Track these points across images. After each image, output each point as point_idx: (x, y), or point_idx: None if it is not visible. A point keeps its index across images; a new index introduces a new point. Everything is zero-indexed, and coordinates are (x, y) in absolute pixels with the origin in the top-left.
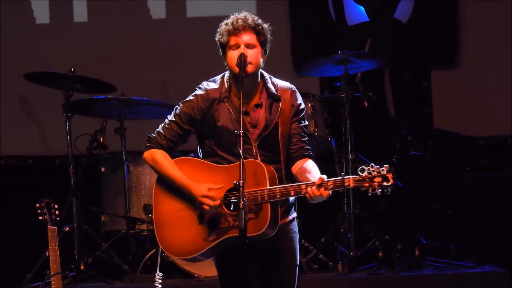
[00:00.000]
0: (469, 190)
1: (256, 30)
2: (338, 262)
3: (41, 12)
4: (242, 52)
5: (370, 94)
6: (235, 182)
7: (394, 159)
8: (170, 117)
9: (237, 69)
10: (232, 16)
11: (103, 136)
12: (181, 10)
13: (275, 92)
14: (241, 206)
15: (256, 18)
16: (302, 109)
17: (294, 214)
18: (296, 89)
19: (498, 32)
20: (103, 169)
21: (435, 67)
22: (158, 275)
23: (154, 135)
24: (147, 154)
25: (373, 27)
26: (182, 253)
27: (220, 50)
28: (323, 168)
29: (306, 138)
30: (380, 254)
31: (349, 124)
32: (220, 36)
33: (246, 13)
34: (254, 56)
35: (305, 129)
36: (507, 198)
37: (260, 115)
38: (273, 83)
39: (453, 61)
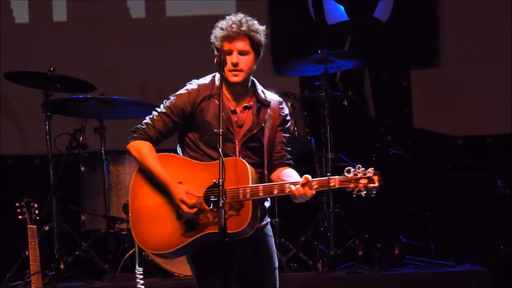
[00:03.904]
0: (449, 190)
1: (250, 36)
2: (318, 261)
3: (20, 12)
4: (221, 52)
5: (349, 93)
6: (215, 181)
7: (373, 158)
8: (160, 109)
9: (227, 74)
10: (227, 18)
11: (83, 136)
12: (161, 10)
13: (265, 99)
14: (220, 205)
15: (251, 23)
16: (288, 120)
17: (268, 220)
18: (283, 101)
19: (478, 33)
20: (82, 168)
21: (414, 66)
22: (138, 270)
23: (143, 126)
24: (133, 144)
25: (353, 26)
26: (159, 248)
27: (215, 50)
28: (302, 167)
29: (289, 148)
30: (360, 253)
31: (329, 123)
32: (215, 40)
33: (242, 16)
34: (246, 63)
35: (288, 140)
36: (486, 198)
37: (248, 116)
38: (262, 91)
39: (433, 61)
